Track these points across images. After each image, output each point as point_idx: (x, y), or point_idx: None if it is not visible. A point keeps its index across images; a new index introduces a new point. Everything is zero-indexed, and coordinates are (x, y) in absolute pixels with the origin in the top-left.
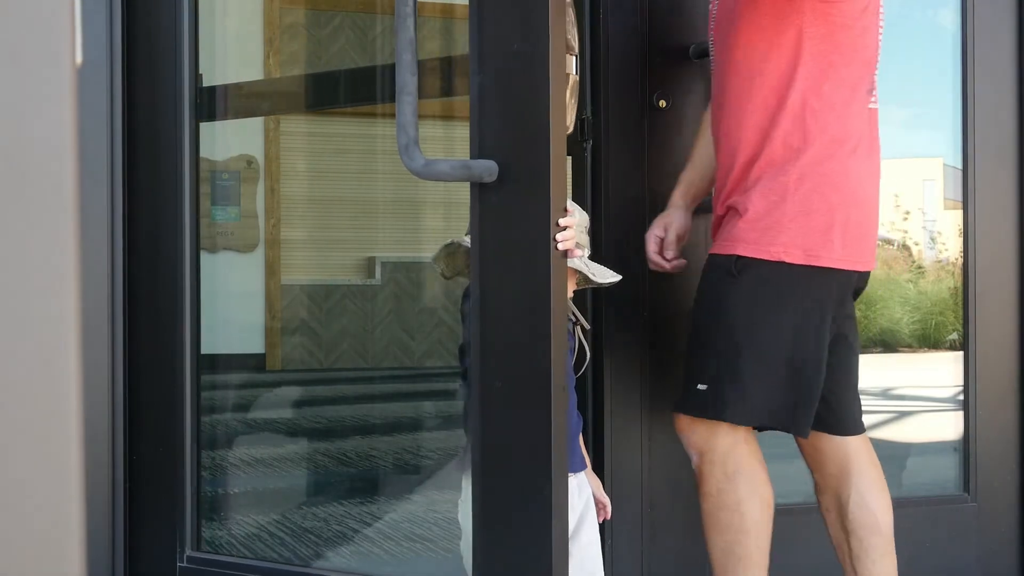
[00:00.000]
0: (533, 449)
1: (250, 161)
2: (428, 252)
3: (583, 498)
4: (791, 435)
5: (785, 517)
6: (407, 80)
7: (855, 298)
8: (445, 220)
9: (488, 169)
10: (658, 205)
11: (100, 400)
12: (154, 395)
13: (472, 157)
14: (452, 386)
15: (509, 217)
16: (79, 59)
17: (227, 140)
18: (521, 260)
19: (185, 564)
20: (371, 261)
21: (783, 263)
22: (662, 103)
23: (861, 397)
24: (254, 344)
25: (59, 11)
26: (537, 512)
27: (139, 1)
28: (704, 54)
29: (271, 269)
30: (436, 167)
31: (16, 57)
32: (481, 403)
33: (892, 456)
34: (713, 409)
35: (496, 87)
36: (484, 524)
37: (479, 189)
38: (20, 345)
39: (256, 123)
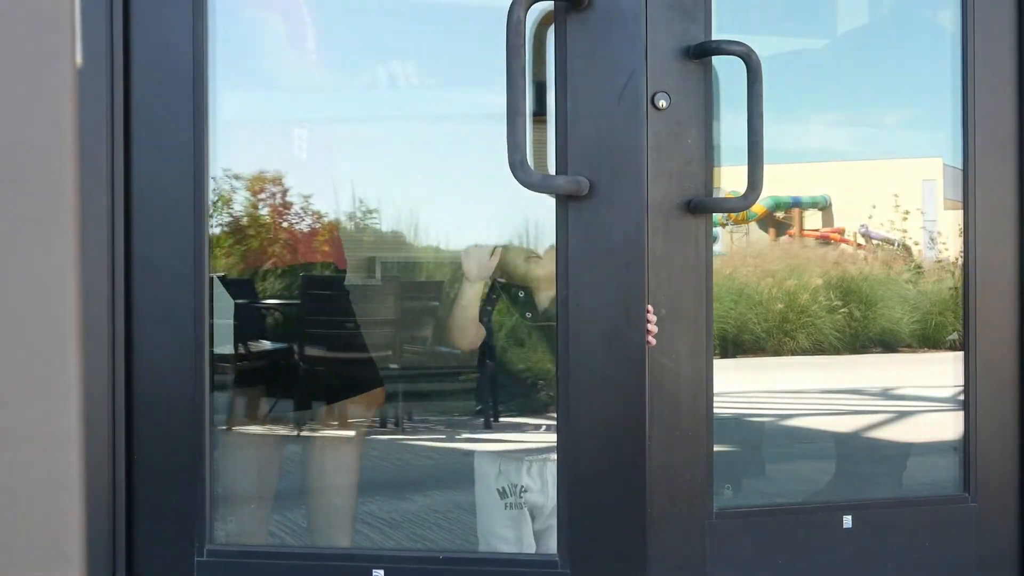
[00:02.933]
0: (630, 428)
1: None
2: (428, 252)
3: None
4: (791, 435)
5: (785, 517)
6: (520, 104)
7: None
8: (444, 220)
9: (585, 184)
10: (658, 209)
11: (100, 399)
12: (170, 394)
13: (558, 172)
14: (449, 386)
15: (604, 224)
16: (79, 59)
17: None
18: (614, 262)
19: (204, 558)
20: (371, 261)
21: None
22: (662, 103)
23: (861, 396)
24: None
25: (59, 11)
26: (631, 490)
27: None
28: (705, 53)
29: None
30: (553, 181)
31: (16, 57)
32: (569, 392)
33: (892, 456)
34: None
35: (585, 110)
36: (574, 504)
37: (568, 200)
38: (20, 344)
39: None
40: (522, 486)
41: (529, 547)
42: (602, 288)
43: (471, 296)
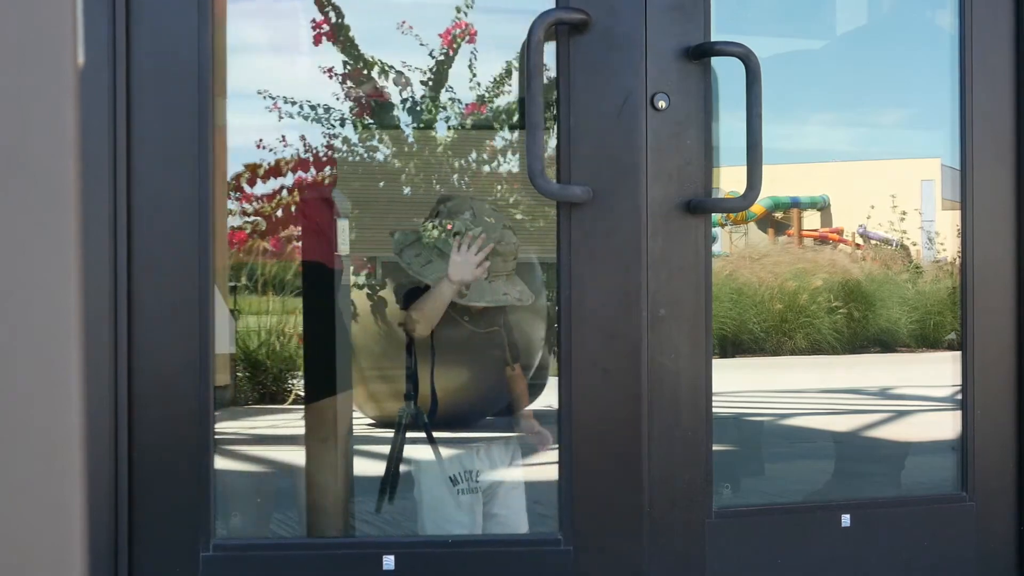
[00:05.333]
0: (627, 417)
1: None
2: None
3: (508, 452)
4: (790, 435)
5: (784, 516)
6: (539, 119)
7: None
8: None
9: (591, 192)
10: (657, 209)
11: (102, 397)
12: (173, 391)
13: (559, 180)
14: None
15: (603, 229)
16: (81, 59)
17: None
18: (613, 264)
19: (211, 553)
20: (372, 261)
21: None
22: (661, 104)
23: (860, 396)
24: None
25: (60, 10)
26: (628, 472)
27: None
28: (704, 54)
29: None
30: (569, 190)
31: (17, 57)
32: (571, 383)
33: (891, 455)
34: None
35: (586, 125)
36: (575, 486)
37: (571, 207)
38: (21, 345)
39: None
40: (475, 471)
41: (480, 528)
42: (602, 288)
43: (448, 294)
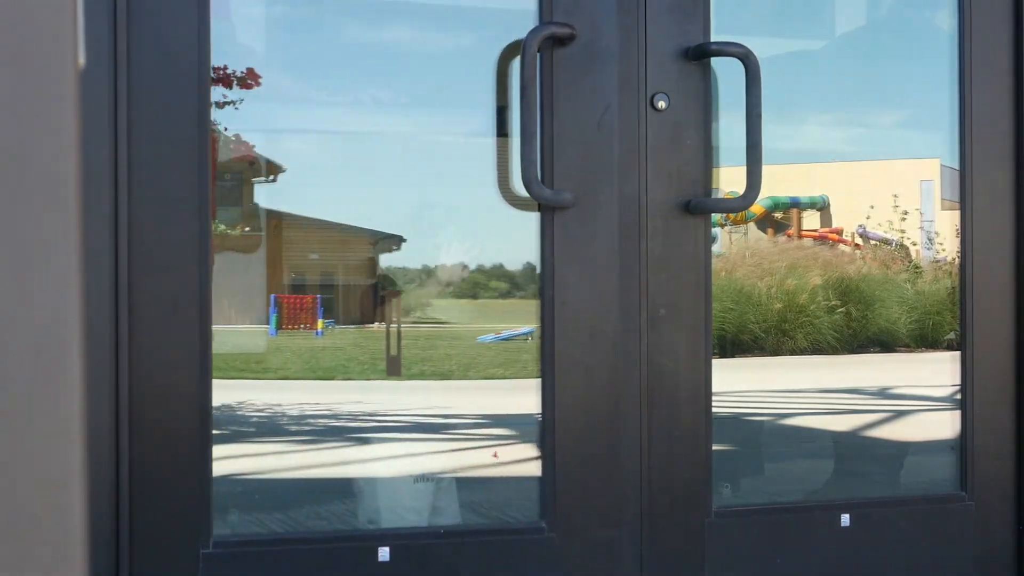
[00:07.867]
0: (606, 409)
1: (252, 162)
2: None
3: None
4: (790, 435)
5: (784, 516)
6: (534, 128)
7: None
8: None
9: (574, 197)
10: (657, 209)
11: (103, 396)
12: (173, 388)
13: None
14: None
15: (585, 232)
16: (81, 59)
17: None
18: (592, 266)
19: (211, 550)
20: (372, 262)
21: None
22: (661, 104)
23: (859, 396)
24: (256, 344)
25: (60, 10)
26: (609, 462)
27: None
28: (704, 54)
29: (273, 270)
30: (561, 195)
31: (18, 58)
32: (554, 379)
33: (890, 455)
34: None
35: (568, 134)
36: (558, 476)
37: (553, 211)
38: (22, 345)
39: None
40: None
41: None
42: (583, 288)
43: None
